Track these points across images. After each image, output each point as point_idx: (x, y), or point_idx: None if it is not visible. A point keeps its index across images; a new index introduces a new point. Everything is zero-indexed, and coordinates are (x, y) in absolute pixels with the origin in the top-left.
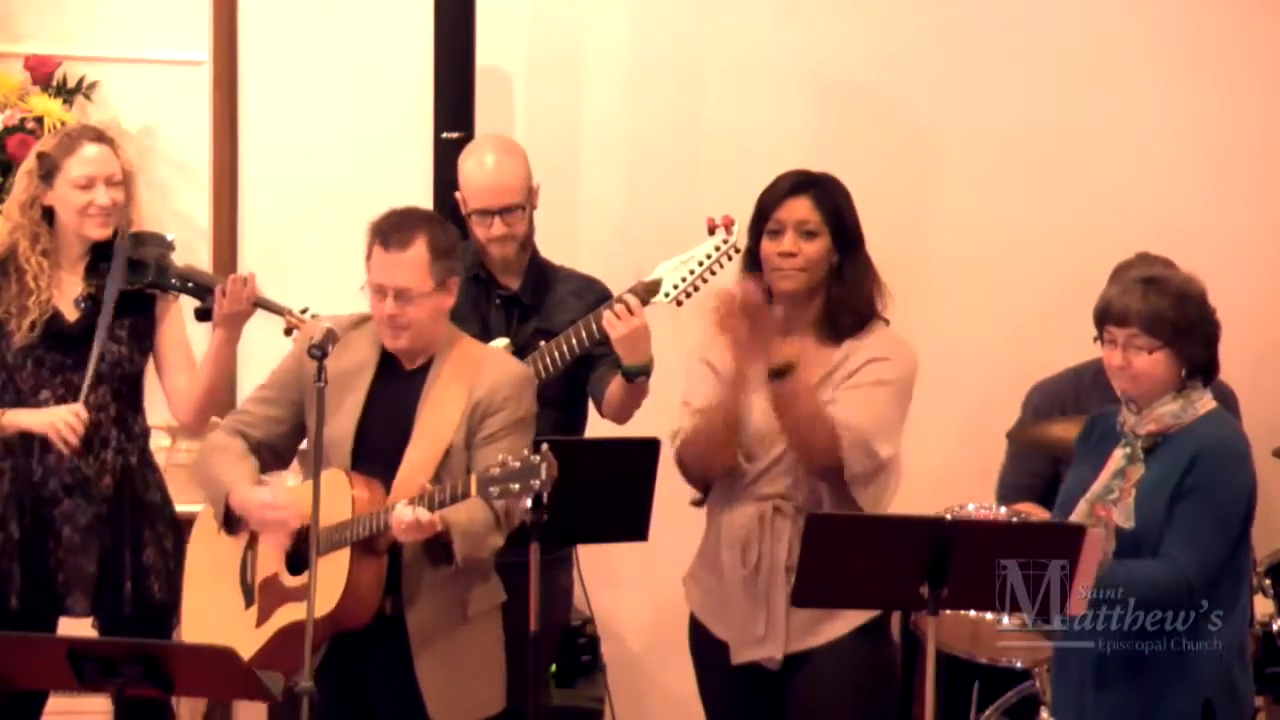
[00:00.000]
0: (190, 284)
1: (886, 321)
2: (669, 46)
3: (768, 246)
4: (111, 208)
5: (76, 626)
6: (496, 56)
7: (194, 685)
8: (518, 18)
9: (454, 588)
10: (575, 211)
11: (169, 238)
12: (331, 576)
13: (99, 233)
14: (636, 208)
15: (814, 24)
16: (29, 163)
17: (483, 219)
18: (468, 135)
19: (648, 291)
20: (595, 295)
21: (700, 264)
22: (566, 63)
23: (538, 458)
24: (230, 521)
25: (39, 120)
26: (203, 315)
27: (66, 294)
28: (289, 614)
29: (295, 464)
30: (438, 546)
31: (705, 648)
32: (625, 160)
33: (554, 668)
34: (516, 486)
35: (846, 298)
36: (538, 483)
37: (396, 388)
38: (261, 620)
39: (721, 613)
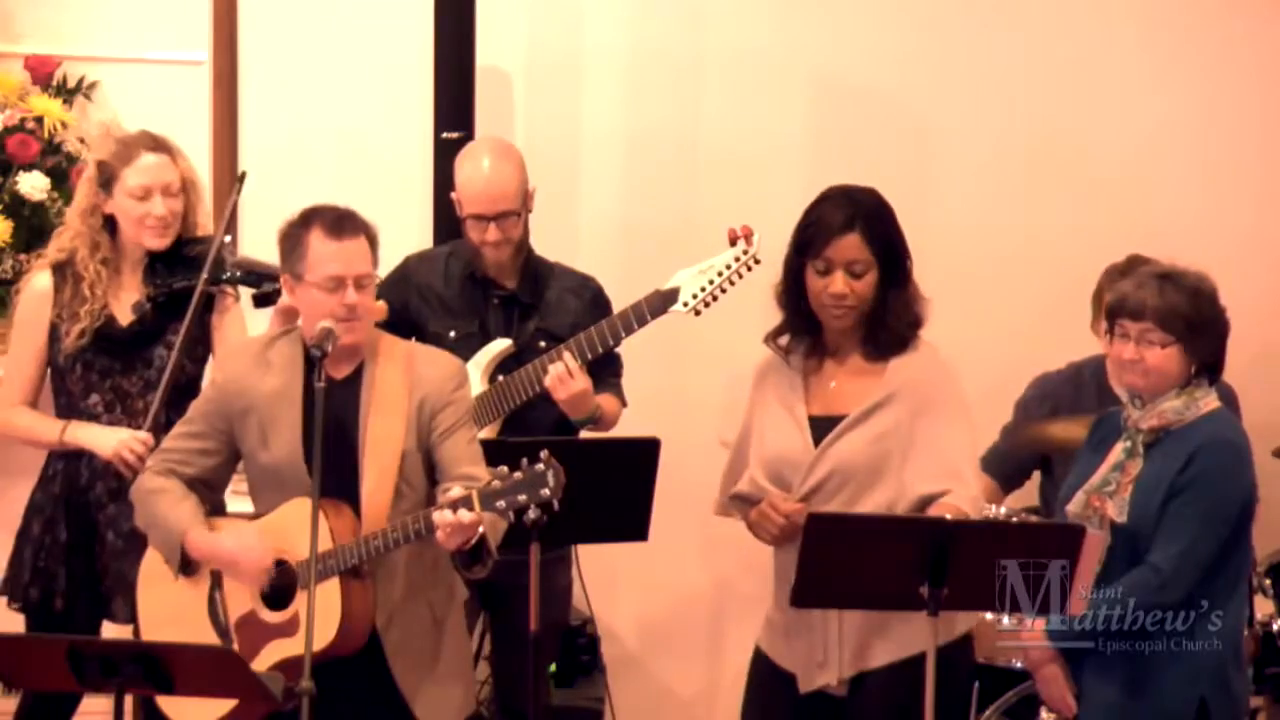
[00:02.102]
0: (243, 273)
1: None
2: (669, 47)
3: (816, 282)
4: (170, 218)
5: (120, 632)
6: (496, 56)
7: (194, 685)
8: (518, 18)
9: (423, 597)
10: (575, 211)
11: (226, 239)
12: (325, 607)
13: (156, 243)
14: (636, 208)
15: (814, 24)
16: (89, 170)
17: (478, 223)
18: (468, 135)
19: (665, 300)
20: (591, 293)
21: (720, 274)
22: (566, 63)
23: (541, 465)
24: (187, 563)
25: (39, 120)
26: (261, 301)
27: (123, 299)
28: (279, 650)
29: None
30: (470, 550)
31: (771, 679)
32: (625, 160)
33: (554, 668)
34: (523, 497)
35: (889, 321)
36: (548, 491)
37: (331, 401)
38: (247, 660)
39: (786, 643)
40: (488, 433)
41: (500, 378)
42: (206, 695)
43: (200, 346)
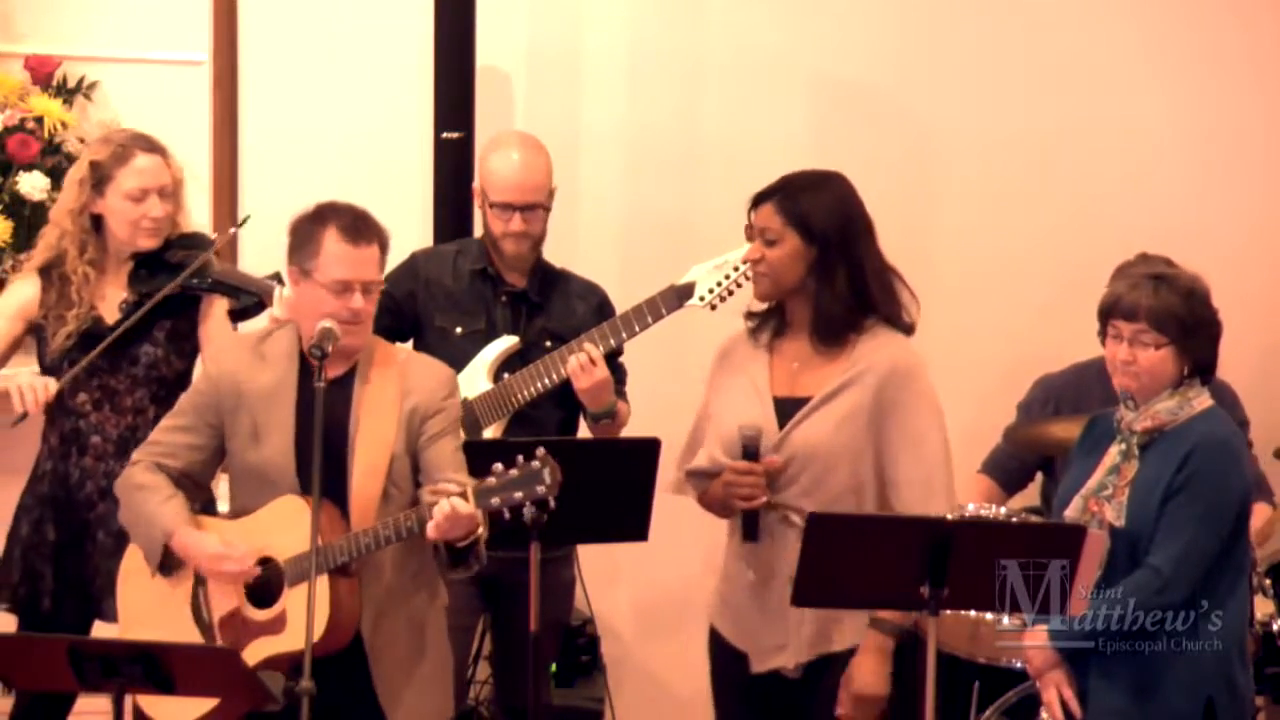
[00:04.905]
0: (222, 285)
1: (903, 325)
2: (669, 46)
3: None
4: (164, 219)
5: (112, 631)
6: (496, 56)
7: (194, 685)
8: (518, 18)
9: (406, 601)
10: (575, 211)
11: (211, 237)
12: (315, 604)
13: (149, 244)
14: (636, 208)
15: (814, 24)
16: (80, 171)
17: (504, 212)
18: (468, 135)
19: (681, 295)
20: (597, 299)
21: (736, 269)
22: (566, 63)
23: (538, 463)
24: (166, 564)
25: (39, 120)
26: (237, 315)
27: (110, 299)
28: (264, 648)
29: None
30: (461, 548)
31: (723, 657)
32: (625, 160)
33: (554, 667)
34: (519, 494)
35: (823, 303)
36: (544, 488)
37: (323, 399)
38: None
39: (737, 622)
40: (493, 432)
41: (506, 375)
42: (207, 695)
43: (187, 343)
